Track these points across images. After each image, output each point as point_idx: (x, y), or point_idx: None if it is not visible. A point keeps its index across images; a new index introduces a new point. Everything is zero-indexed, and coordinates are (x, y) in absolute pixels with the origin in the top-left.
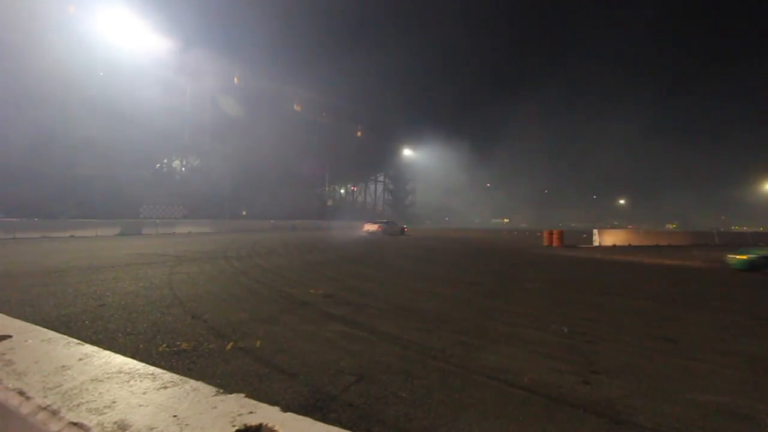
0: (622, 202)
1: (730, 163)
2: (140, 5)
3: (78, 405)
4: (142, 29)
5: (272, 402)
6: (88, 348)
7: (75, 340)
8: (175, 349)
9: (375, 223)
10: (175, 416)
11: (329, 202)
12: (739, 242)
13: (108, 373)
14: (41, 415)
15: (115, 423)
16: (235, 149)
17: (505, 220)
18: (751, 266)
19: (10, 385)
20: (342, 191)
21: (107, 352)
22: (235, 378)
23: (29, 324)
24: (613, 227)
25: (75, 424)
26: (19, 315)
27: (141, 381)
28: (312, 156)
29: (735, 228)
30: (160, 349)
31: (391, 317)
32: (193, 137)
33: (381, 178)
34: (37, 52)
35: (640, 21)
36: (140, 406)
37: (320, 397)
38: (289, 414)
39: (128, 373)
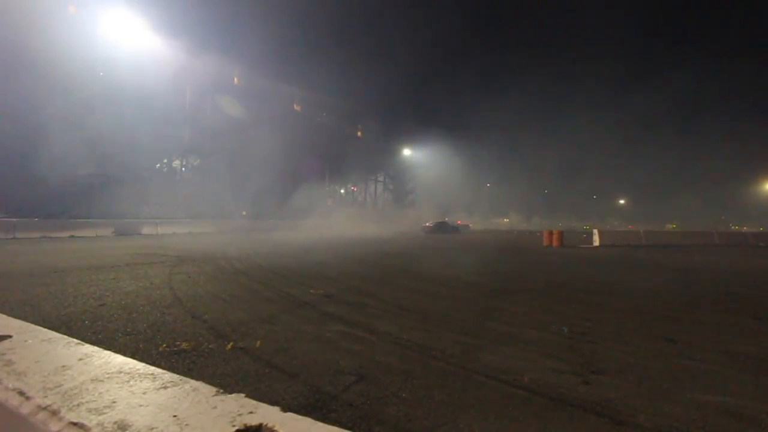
0: (622, 202)
1: (730, 164)
2: (140, 4)
3: (78, 405)
4: (142, 29)
5: (272, 402)
6: (88, 348)
7: (75, 340)
8: (175, 349)
9: (432, 223)
10: (175, 416)
11: (329, 202)
12: (738, 242)
13: (108, 373)
14: (41, 415)
15: (115, 423)
16: (235, 149)
17: (505, 219)
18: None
19: (10, 385)
20: (342, 191)
21: (107, 352)
22: (235, 378)
23: (29, 324)
24: (612, 227)
25: (75, 424)
26: (19, 315)
27: (141, 381)
28: (312, 156)
29: (735, 227)
30: (160, 349)
31: (391, 317)
32: (193, 137)
33: (381, 178)
34: (37, 52)
35: (644, 20)
36: (140, 406)
37: (320, 397)
38: (289, 414)
39: (128, 373)
